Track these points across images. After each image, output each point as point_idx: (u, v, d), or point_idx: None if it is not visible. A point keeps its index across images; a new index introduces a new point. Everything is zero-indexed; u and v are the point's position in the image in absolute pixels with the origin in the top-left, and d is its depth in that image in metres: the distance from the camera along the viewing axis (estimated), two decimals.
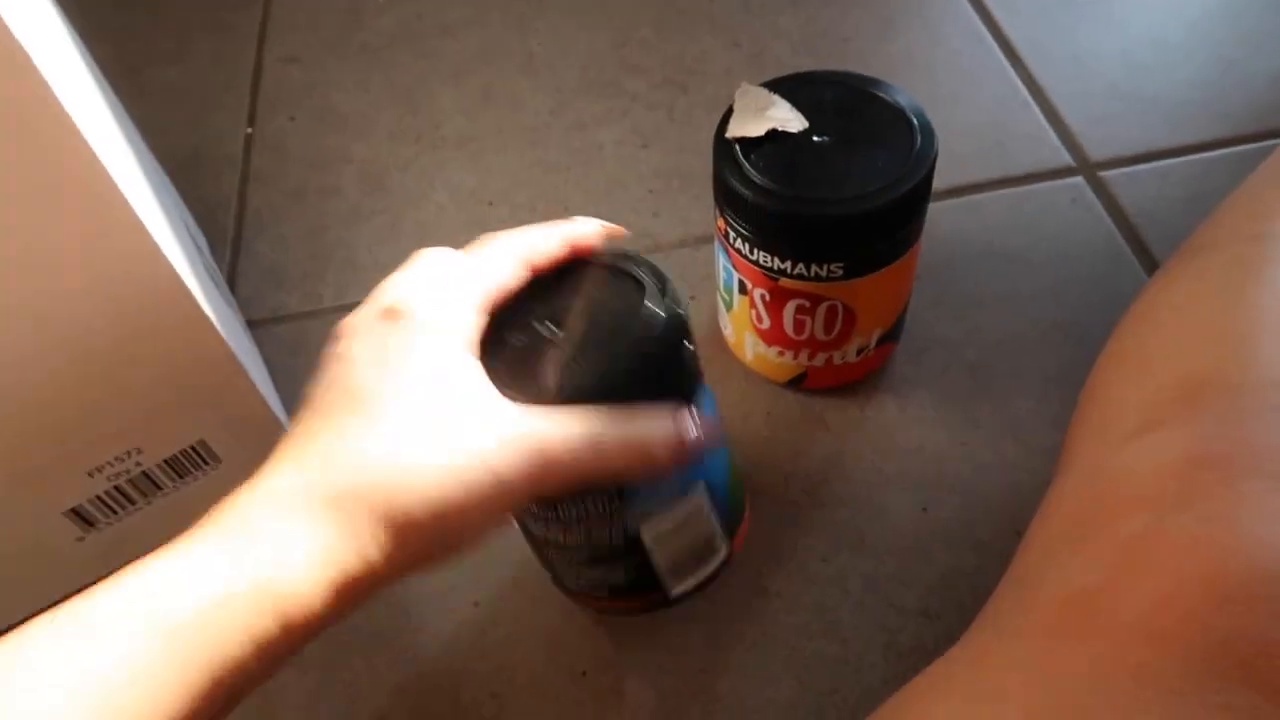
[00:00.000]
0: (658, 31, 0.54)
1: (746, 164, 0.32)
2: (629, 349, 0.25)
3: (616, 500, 0.28)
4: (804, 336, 0.36)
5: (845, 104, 0.34)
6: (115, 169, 0.27)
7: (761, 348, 0.37)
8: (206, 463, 0.35)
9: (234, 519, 0.23)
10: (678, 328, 0.26)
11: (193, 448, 0.34)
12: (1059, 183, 0.45)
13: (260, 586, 0.21)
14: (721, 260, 0.36)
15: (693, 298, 0.42)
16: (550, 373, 0.25)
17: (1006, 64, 0.50)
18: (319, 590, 0.22)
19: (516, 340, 0.26)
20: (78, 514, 0.33)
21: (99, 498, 0.33)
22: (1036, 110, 0.47)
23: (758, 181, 0.32)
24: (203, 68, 0.56)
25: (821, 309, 0.34)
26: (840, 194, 0.31)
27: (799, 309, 0.34)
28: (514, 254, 0.27)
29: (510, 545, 0.34)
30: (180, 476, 0.35)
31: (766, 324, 0.36)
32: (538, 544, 0.31)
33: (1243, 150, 0.45)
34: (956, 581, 0.34)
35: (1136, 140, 0.46)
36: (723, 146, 0.33)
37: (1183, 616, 0.20)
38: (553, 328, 0.26)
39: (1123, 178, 0.44)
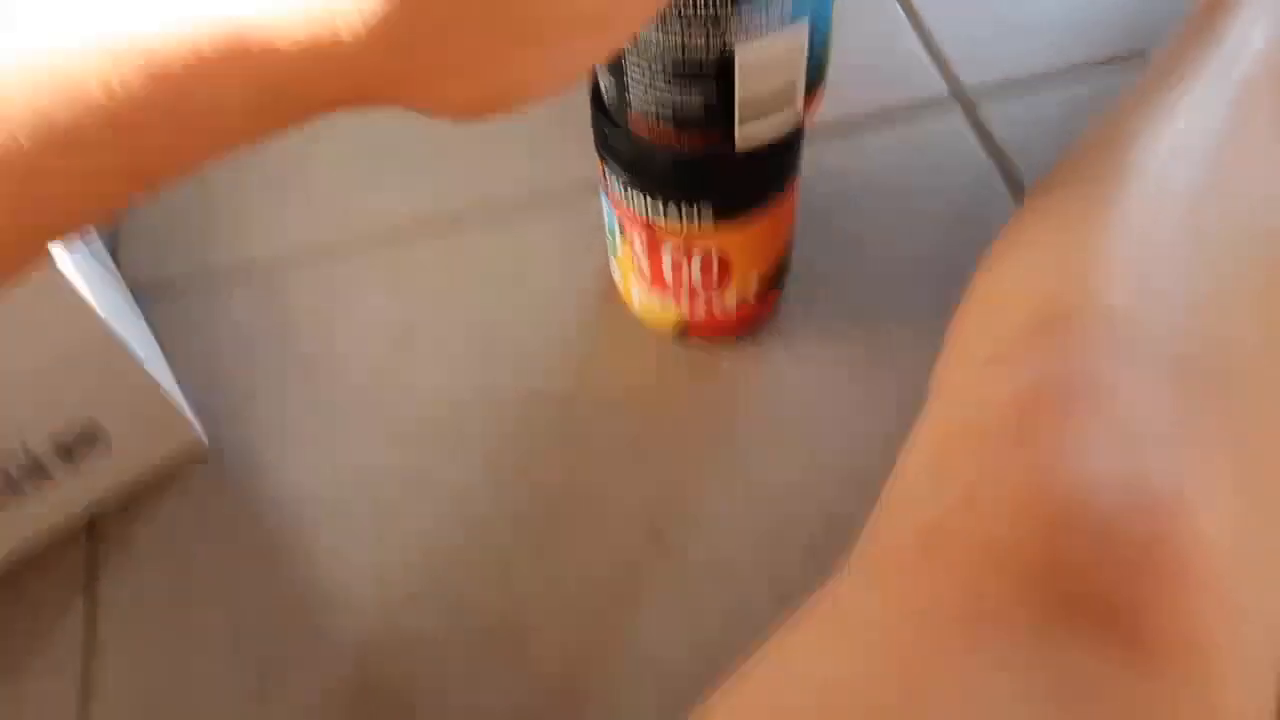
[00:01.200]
0: None
1: (616, 106, 0.32)
2: None
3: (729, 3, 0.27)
4: (683, 284, 0.36)
5: None
6: None
7: (645, 295, 0.38)
8: (95, 444, 0.35)
9: None
10: None
11: (82, 430, 0.34)
12: (934, 113, 0.45)
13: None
14: (604, 202, 0.36)
15: (588, 249, 0.42)
16: None
17: None
18: None
19: None
20: None
21: None
22: (914, 36, 0.48)
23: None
24: None
25: (696, 255, 0.35)
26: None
27: (675, 254, 0.35)
28: None
29: None
30: (70, 460, 0.34)
31: (647, 269, 0.36)
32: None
33: (1113, 71, 0.46)
34: (840, 523, 0.35)
35: (1011, 66, 0.46)
36: (596, 88, 0.33)
37: (1013, 549, 0.22)
38: None
39: (997, 107, 0.45)
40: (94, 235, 0.43)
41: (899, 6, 0.49)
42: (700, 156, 0.31)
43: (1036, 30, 0.48)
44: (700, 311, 0.37)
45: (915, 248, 0.41)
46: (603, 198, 0.36)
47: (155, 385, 0.35)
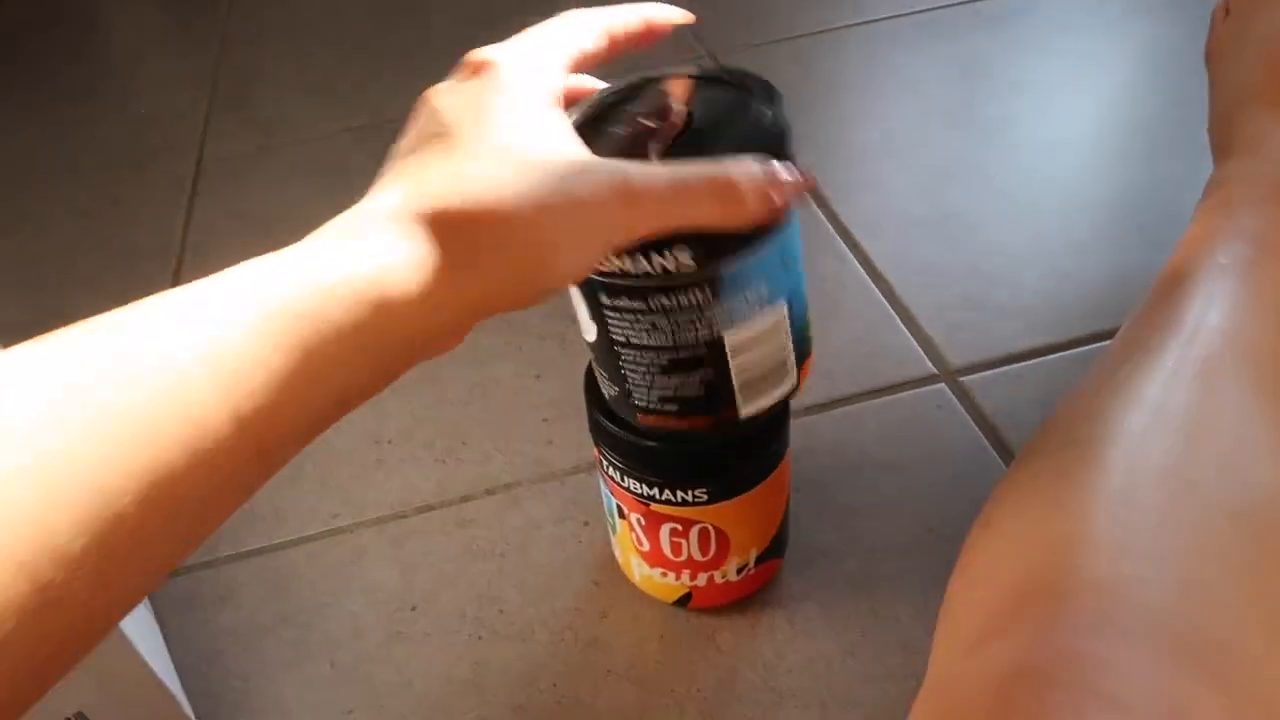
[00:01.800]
0: None
1: (612, 400, 0.34)
2: (738, 142, 0.27)
3: (708, 294, 0.28)
4: (682, 558, 0.37)
5: None
6: None
7: (645, 569, 0.38)
8: None
9: (340, 227, 0.24)
10: (787, 130, 0.28)
11: (72, 719, 0.33)
12: (924, 390, 0.48)
13: (366, 278, 0.22)
14: (602, 486, 0.37)
15: (586, 524, 0.43)
16: (654, 155, 0.27)
17: (869, 280, 0.54)
18: (416, 291, 0.23)
19: (616, 130, 0.28)
20: None
21: None
22: (899, 323, 0.51)
23: (623, 416, 0.34)
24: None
25: (694, 532, 0.36)
26: None
27: (673, 532, 0.36)
28: (596, 24, 0.29)
29: None
30: None
31: (647, 546, 0.37)
32: (614, 355, 0.31)
33: (1082, 351, 0.49)
34: None
35: (991, 345, 0.49)
36: (591, 383, 0.35)
37: None
38: (656, 120, 0.28)
39: (980, 382, 0.48)
40: None
41: (883, 297, 0.53)
42: (691, 444, 0.33)
43: (1014, 314, 0.51)
44: (701, 583, 0.38)
45: (911, 519, 0.42)
46: (600, 482, 0.37)
47: (153, 678, 0.35)
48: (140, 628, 0.37)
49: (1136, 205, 0.57)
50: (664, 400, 0.31)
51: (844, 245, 0.57)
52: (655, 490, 0.34)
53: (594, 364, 0.34)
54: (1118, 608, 0.25)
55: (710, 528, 0.35)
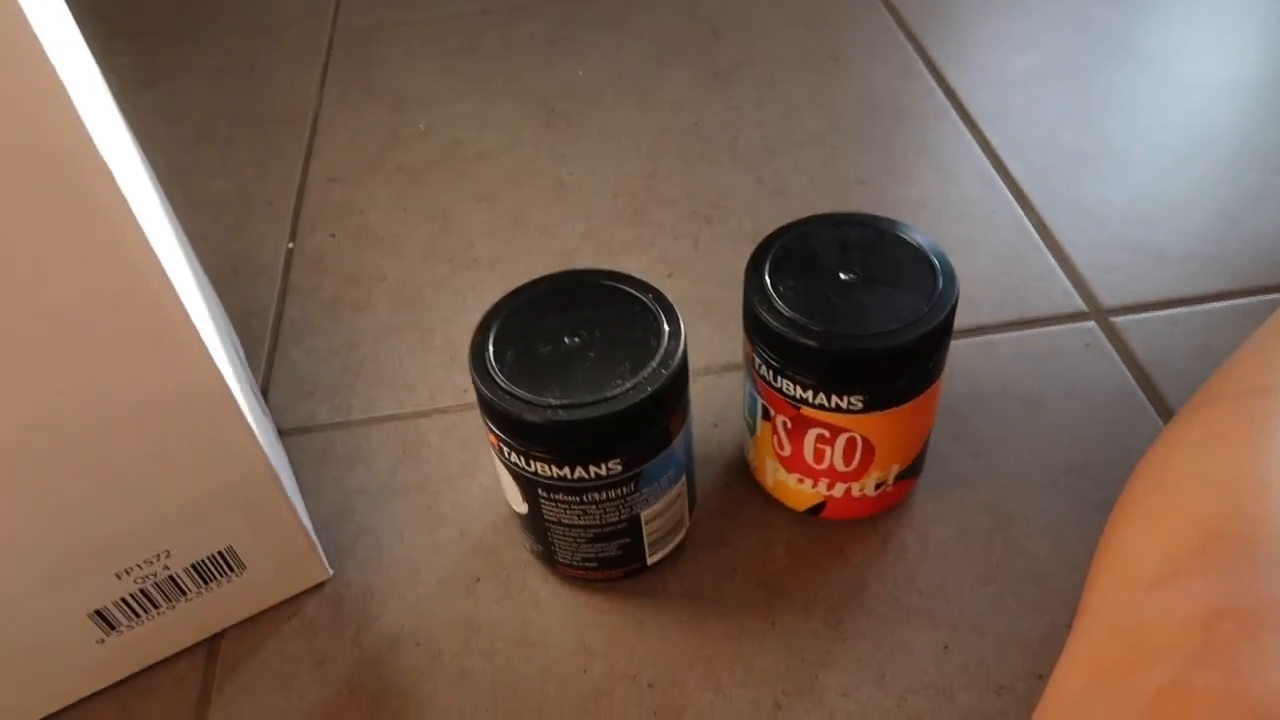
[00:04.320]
0: (684, 164, 0.57)
1: (775, 295, 0.34)
2: (656, 367, 0.32)
3: (632, 486, 0.33)
4: (823, 466, 0.36)
5: (870, 244, 0.35)
6: (174, 273, 0.28)
7: (782, 474, 0.38)
8: (231, 569, 0.35)
9: None
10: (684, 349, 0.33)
11: (220, 554, 0.34)
12: (1071, 327, 0.46)
13: None
14: (747, 386, 0.37)
15: (715, 425, 0.43)
16: (580, 381, 0.32)
17: (1019, 210, 0.52)
18: None
19: (544, 350, 0.33)
20: (101, 616, 0.33)
21: (124, 600, 0.33)
22: (1048, 255, 0.49)
23: (785, 312, 0.33)
24: (247, 181, 0.58)
25: (841, 440, 0.35)
26: (865, 330, 0.32)
27: (819, 438, 0.35)
28: None
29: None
30: (205, 582, 0.35)
31: (788, 451, 0.37)
32: (544, 527, 0.35)
33: (1247, 303, 0.46)
34: None
35: (1146, 289, 0.47)
36: (754, 276, 0.34)
37: None
38: (576, 339, 0.33)
39: (1134, 324, 0.46)
40: (252, 375, 0.45)
41: (1032, 228, 0.51)
42: (854, 349, 0.32)
43: (1174, 258, 0.49)
44: (838, 494, 0.37)
45: (1051, 456, 0.41)
46: (746, 378, 0.37)
47: (299, 524, 0.36)
48: (285, 478, 0.37)
49: None
50: (585, 560, 0.36)
51: (993, 170, 0.54)
52: (809, 393, 0.34)
53: (518, 524, 0.38)
54: None
55: (858, 437, 0.35)
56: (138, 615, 0.34)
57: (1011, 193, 0.53)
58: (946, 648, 0.35)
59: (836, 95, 0.61)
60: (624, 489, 0.33)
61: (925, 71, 0.62)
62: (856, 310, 0.33)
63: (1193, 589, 0.25)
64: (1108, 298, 0.47)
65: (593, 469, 0.32)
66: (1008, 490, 0.40)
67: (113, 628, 0.34)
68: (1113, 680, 0.25)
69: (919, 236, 0.35)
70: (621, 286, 0.35)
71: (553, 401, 0.31)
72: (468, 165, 0.58)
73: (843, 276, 0.34)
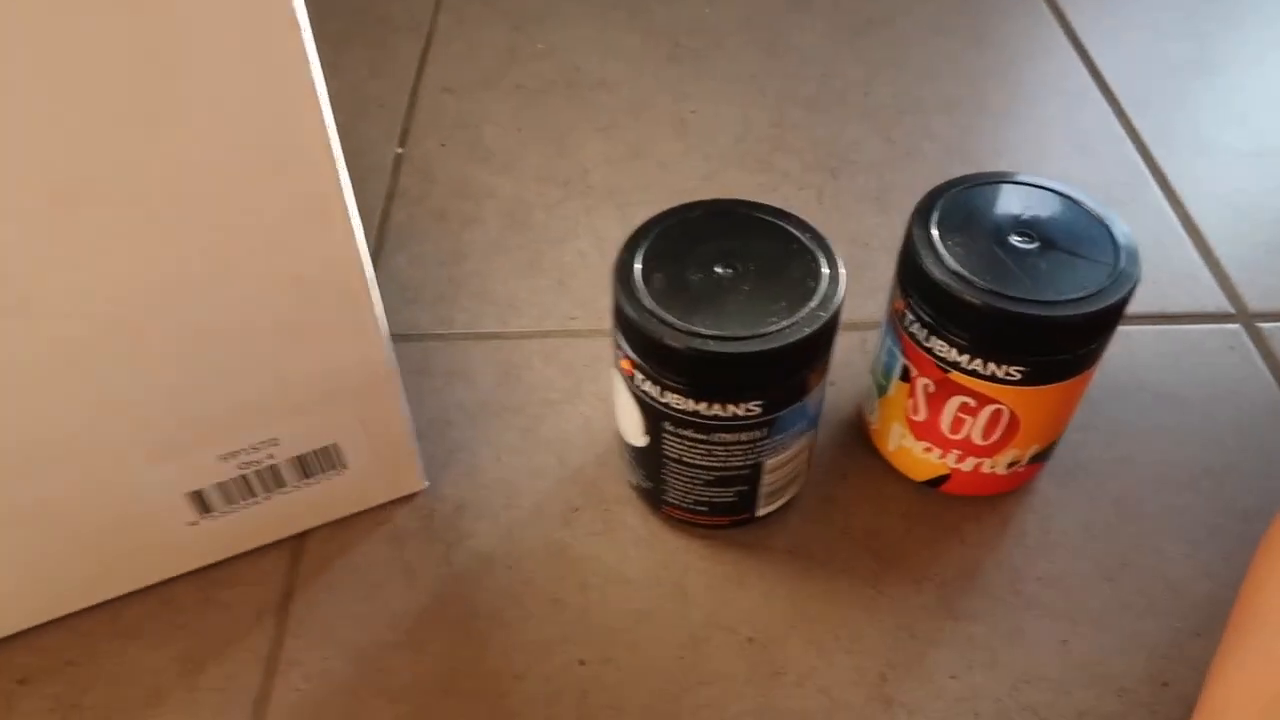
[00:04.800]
0: (811, 115, 0.54)
1: (942, 248, 0.31)
2: (814, 309, 0.30)
3: (765, 431, 0.31)
4: (959, 436, 0.34)
5: (1047, 209, 0.33)
6: (334, 143, 0.26)
7: (909, 440, 0.36)
8: (333, 466, 0.34)
9: None
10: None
11: (327, 448, 0.33)
12: (1215, 327, 0.43)
13: None
14: (888, 342, 0.35)
15: (833, 383, 0.41)
16: (731, 314, 0.30)
17: (1164, 200, 0.49)
18: None
19: (694, 278, 0.31)
20: (199, 497, 0.32)
21: (224, 484, 0.32)
22: (1193, 251, 0.47)
23: (951, 266, 0.31)
24: (360, 81, 0.56)
25: (985, 411, 0.33)
26: (1038, 295, 0.30)
27: (962, 407, 0.33)
28: None
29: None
30: (306, 476, 0.34)
31: (922, 416, 0.35)
32: (661, 463, 0.33)
33: None
34: None
35: None
36: (919, 226, 0.32)
37: None
38: (730, 270, 0.31)
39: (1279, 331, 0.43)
40: None
41: (1178, 222, 0.48)
42: (1026, 313, 0.30)
43: None
44: (966, 467, 0.35)
45: (1187, 456, 0.38)
46: (888, 335, 0.35)
47: (405, 427, 0.34)
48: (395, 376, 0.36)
49: None
50: (696, 503, 0.34)
51: (1139, 156, 0.51)
52: (964, 356, 0.32)
53: (628, 458, 0.36)
54: None
55: (1005, 411, 0.33)
56: (234, 502, 0.33)
57: (1156, 181, 0.50)
58: (1065, 641, 0.33)
59: (975, 63, 0.58)
60: (756, 433, 0.31)
61: (1070, 48, 0.59)
62: (1029, 274, 0.31)
63: None
64: (1255, 301, 0.44)
65: (730, 407, 0.30)
66: (1139, 486, 0.38)
67: (208, 510, 0.33)
68: None
69: (1100, 208, 0.33)
70: (779, 222, 0.33)
71: (702, 330, 0.29)
72: (587, 92, 0.56)
73: (1015, 239, 0.32)
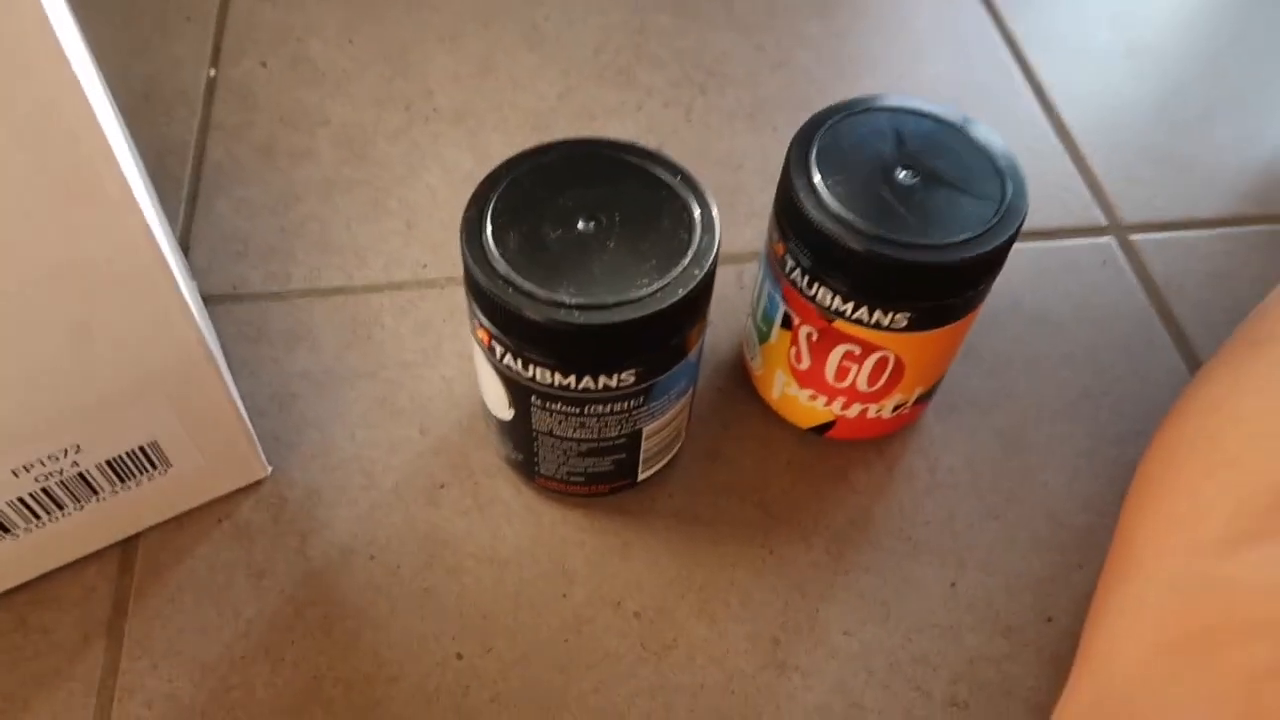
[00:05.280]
0: (677, 21, 0.50)
1: (825, 190, 0.29)
2: (688, 266, 0.27)
3: (640, 399, 0.29)
4: (844, 384, 0.33)
5: (932, 140, 0.31)
6: (91, 95, 0.21)
7: (793, 388, 0.34)
8: (154, 466, 0.30)
9: None
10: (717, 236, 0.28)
11: (142, 449, 0.29)
12: (1089, 241, 0.43)
13: None
14: (767, 287, 0.32)
15: (710, 323, 0.38)
16: (597, 277, 0.26)
17: (1037, 106, 0.48)
18: None
19: (554, 235, 0.27)
20: None
21: (21, 500, 0.28)
22: (1068, 160, 0.46)
23: (835, 211, 0.28)
24: None
25: (871, 359, 0.31)
26: (923, 239, 0.28)
27: (846, 355, 0.31)
28: None
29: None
30: (121, 480, 0.29)
31: (806, 364, 0.33)
32: (530, 437, 0.31)
33: (1270, 230, 0.44)
34: (985, 668, 0.31)
35: (1168, 207, 0.44)
36: (798, 166, 0.30)
37: None
38: (593, 223, 0.28)
39: (1153, 244, 0.43)
40: (169, 230, 0.38)
41: (1053, 130, 0.47)
42: (912, 259, 0.28)
43: (1199, 175, 0.45)
44: (852, 414, 0.34)
45: (1066, 381, 0.38)
46: (767, 278, 0.32)
47: (235, 412, 0.30)
48: (216, 354, 0.32)
49: None
50: (571, 474, 0.32)
51: (1013, 61, 0.50)
52: (849, 305, 0.29)
53: (495, 430, 0.33)
54: None
55: (891, 357, 0.31)
56: (38, 517, 0.28)
57: (1030, 86, 0.49)
58: (953, 585, 0.33)
59: None
60: (632, 402, 0.29)
61: None
62: (915, 215, 0.29)
63: (1278, 557, 0.23)
64: (1128, 213, 0.44)
65: (602, 379, 0.27)
66: (1020, 416, 0.37)
67: (7, 531, 0.28)
68: (1195, 653, 0.23)
69: (985, 134, 0.31)
70: (646, 164, 0.29)
71: (566, 300, 0.26)
72: None
73: (901, 175, 0.29)
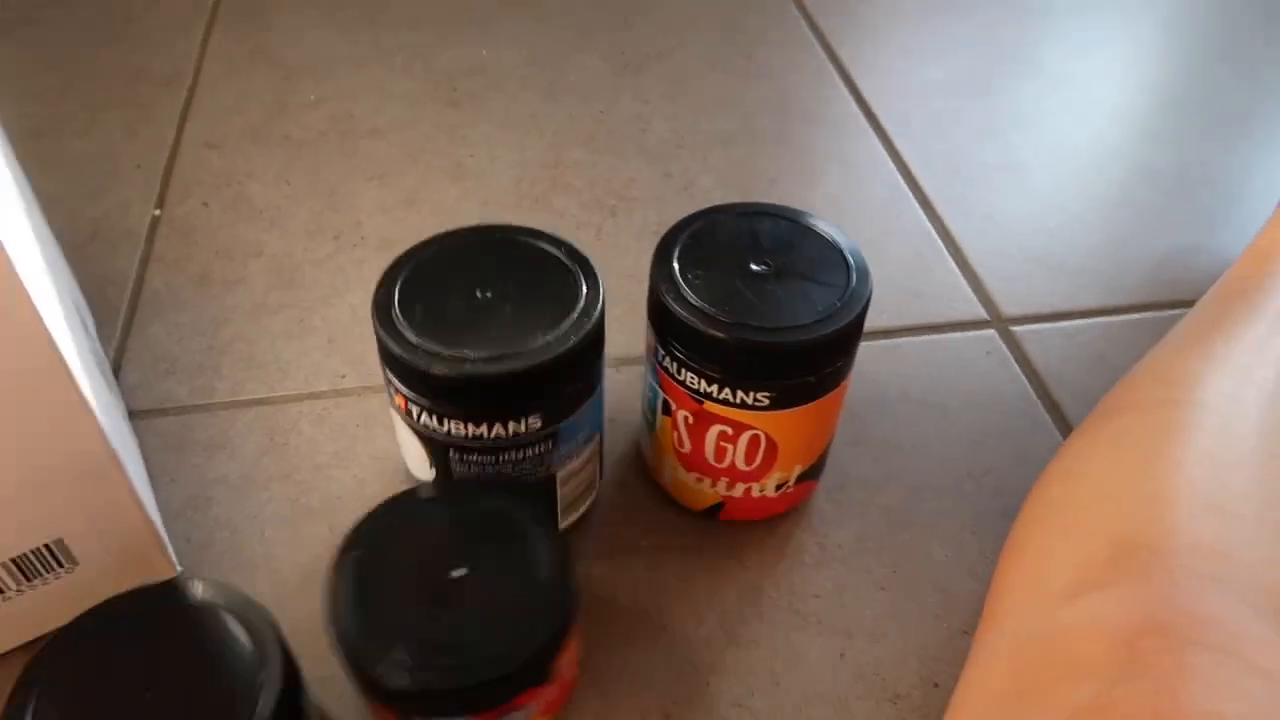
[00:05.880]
0: (590, 155, 0.54)
1: (684, 285, 0.32)
2: (578, 317, 0.30)
3: (550, 444, 0.31)
4: (724, 464, 0.35)
5: (781, 236, 0.34)
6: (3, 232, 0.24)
7: (681, 472, 0.36)
8: (60, 564, 0.31)
9: None
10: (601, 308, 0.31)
11: (47, 546, 0.30)
12: (973, 334, 0.46)
13: None
14: (649, 379, 0.35)
15: (611, 419, 0.41)
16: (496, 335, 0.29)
17: (924, 216, 0.52)
18: None
19: (455, 304, 0.30)
20: None
21: None
22: (952, 263, 0.49)
23: (693, 303, 0.31)
24: (114, 143, 0.53)
25: (744, 438, 0.33)
26: (775, 323, 0.31)
27: (721, 435, 0.33)
28: None
29: None
30: (27, 579, 0.31)
31: (688, 448, 0.35)
32: None
33: (1139, 318, 0.47)
34: None
35: (1044, 300, 0.47)
36: (661, 263, 0.33)
37: None
38: (489, 293, 0.31)
39: (1033, 334, 0.46)
40: (101, 350, 0.41)
41: (937, 236, 0.51)
42: (763, 341, 0.31)
43: (1072, 271, 0.49)
44: (737, 494, 0.35)
45: (951, 462, 0.40)
46: (648, 372, 0.35)
47: (141, 514, 0.32)
48: (130, 463, 0.34)
49: (1202, 181, 0.55)
50: None
51: (900, 178, 0.54)
52: (714, 387, 0.32)
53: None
54: (1232, 573, 0.24)
55: (762, 435, 0.33)
56: None
57: (917, 200, 0.53)
58: (842, 655, 0.34)
59: (748, 95, 0.60)
60: (541, 447, 0.31)
61: (837, 77, 0.62)
62: (767, 303, 0.31)
63: (1109, 602, 0.24)
64: (1008, 306, 0.47)
65: (511, 426, 0.30)
66: (908, 495, 0.39)
67: None
68: (1029, 696, 0.24)
69: (831, 230, 0.34)
70: (534, 241, 0.33)
71: (470, 354, 0.29)
72: (361, 141, 0.54)
73: (754, 268, 0.33)
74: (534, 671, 0.27)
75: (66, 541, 0.31)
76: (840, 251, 0.33)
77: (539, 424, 0.31)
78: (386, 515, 0.29)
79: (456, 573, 0.27)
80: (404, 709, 0.27)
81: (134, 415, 0.40)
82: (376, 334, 0.30)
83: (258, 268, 0.47)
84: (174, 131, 0.54)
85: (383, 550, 0.28)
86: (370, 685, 0.26)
